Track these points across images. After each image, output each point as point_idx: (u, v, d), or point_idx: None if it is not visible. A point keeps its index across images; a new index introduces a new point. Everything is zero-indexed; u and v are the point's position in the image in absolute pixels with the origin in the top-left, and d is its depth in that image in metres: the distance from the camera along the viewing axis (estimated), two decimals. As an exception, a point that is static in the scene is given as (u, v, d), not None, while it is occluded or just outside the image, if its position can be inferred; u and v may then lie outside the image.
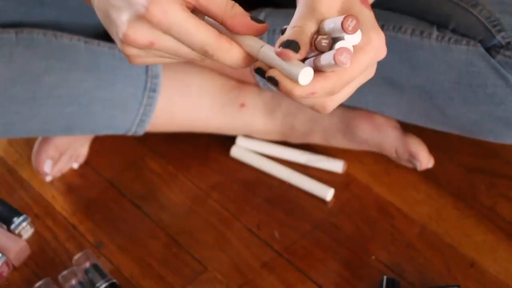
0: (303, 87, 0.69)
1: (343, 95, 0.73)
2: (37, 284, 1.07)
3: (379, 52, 0.72)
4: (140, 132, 1.16)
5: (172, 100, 1.15)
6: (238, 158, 1.22)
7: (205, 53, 0.70)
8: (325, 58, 0.69)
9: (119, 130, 1.14)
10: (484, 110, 1.00)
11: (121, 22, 0.70)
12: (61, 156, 1.20)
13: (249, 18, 0.71)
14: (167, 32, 0.69)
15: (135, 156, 1.24)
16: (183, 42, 0.70)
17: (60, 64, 1.06)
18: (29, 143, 1.25)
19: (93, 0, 0.74)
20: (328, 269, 1.08)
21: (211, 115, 1.17)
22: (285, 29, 0.73)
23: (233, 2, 0.71)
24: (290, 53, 0.68)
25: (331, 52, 0.69)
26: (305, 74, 0.69)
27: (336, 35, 0.70)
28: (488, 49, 0.96)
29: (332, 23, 0.70)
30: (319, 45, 0.70)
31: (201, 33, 0.69)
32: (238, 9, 0.71)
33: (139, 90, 1.11)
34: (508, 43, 0.95)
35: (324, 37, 0.70)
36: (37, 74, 1.04)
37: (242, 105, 1.17)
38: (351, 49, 0.70)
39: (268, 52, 0.71)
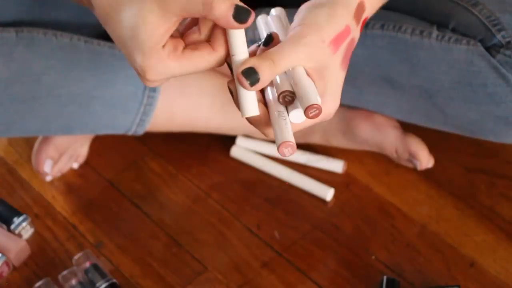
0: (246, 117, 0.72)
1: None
2: (37, 284, 1.07)
3: (325, 119, 0.74)
4: (140, 132, 1.15)
5: (172, 100, 1.15)
6: (238, 158, 1.22)
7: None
8: (277, 125, 0.71)
9: (119, 130, 1.14)
10: (484, 109, 1.00)
11: (135, 70, 0.73)
12: (61, 156, 1.20)
13: (231, 19, 0.68)
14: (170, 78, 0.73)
15: (135, 156, 1.24)
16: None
17: (60, 63, 1.06)
18: (29, 143, 1.25)
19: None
20: (328, 269, 1.08)
21: (211, 115, 1.17)
22: (271, 35, 0.73)
23: (210, 5, 0.69)
24: (246, 84, 0.69)
25: (282, 128, 0.70)
26: (251, 114, 0.71)
27: (298, 96, 0.71)
28: (488, 49, 0.96)
29: (302, 90, 0.71)
30: (282, 99, 0.72)
31: (200, 66, 0.72)
32: (218, 9, 0.68)
33: (139, 89, 1.11)
34: (508, 42, 0.95)
35: (290, 96, 0.71)
36: (37, 73, 1.04)
37: (242, 105, 1.17)
38: (304, 117, 0.71)
39: (236, 63, 0.71)
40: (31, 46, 1.04)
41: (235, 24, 0.69)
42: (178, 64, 0.71)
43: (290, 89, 0.72)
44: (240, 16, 0.69)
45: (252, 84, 0.69)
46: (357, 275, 1.07)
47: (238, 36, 0.71)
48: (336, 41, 0.73)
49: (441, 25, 1.00)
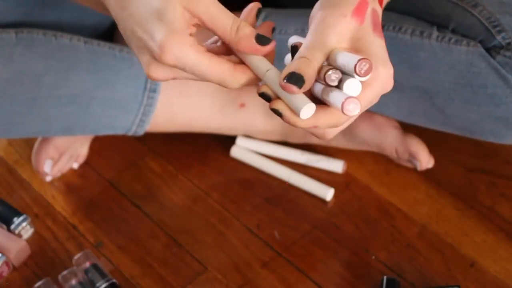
0: (306, 121, 0.70)
1: (344, 126, 0.75)
2: (37, 284, 1.07)
3: (385, 87, 0.73)
4: (140, 132, 1.16)
5: (172, 100, 1.15)
6: (238, 158, 1.22)
7: (222, 85, 0.72)
8: (333, 98, 0.70)
9: (119, 130, 1.14)
10: (484, 110, 1.00)
11: (143, 62, 0.73)
12: (61, 156, 1.20)
13: (254, 41, 0.71)
14: (181, 69, 0.72)
15: (135, 156, 1.24)
16: (199, 78, 0.73)
17: (60, 64, 1.05)
18: (29, 143, 1.25)
19: (119, 27, 0.75)
20: (328, 269, 1.08)
21: (211, 115, 1.17)
22: (295, 46, 0.72)
23: (238, 22, 0.71)
24: (293, 88, 0.69)
25: (340, 96, 0.69)
26: (307, 109, 0.70)
27: (347, 71, 0.70)
28: (488, 50, 0.96)
29: (345, 61, 0.70)
30: (328, 79, 0.70)
31: (215, 72, 0.71)
32: (244, 31, 0.71)
33: (139, 90, 1.11)
34: (508, 43, 0.95)
35: (334, 71, 0.70)
36: (36, 74, 1.04)
37: (242, 105, 1.17)
38: (360, 85, 0.70)
39: (273, 77, 0.71)
40: (30, 47, 1.04)
41: (256, 46, 0.70)
42: (196, 56, 0.70)
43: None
44: (263, 38, 0.71)
45: (300, 86, 0.69)
46: (357, 275, 1.07)
47: (260, 58, 0.72)
48: (358, 12, 0.72)
49: (441, 26, 0.99)
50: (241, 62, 0.73)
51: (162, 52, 0.70)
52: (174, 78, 0.74)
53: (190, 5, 0.70)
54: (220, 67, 0.71)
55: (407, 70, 1.02)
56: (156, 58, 0.71)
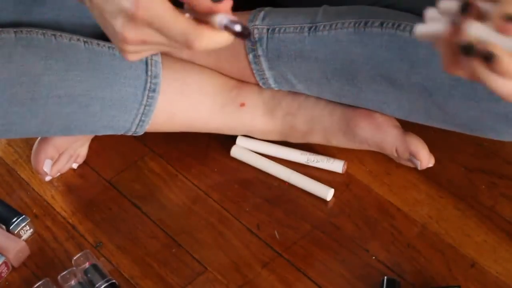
0: None
1: None
2: (37, 285, 1.07)
3: None
4: (140, 132, 1.15)
5: (172, 100, 1.14)
6: (238, 158, 1.22)
7: (187, 43, 0.74)
8: None
9: (118, 130, 1.14)
10: (484, 107, 1.00)
11: (117, 26, 0.76)
12: (61, 156, 1.20)
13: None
14: (151, 26, 0.74)
15: (135, 156, 1.24)
16: (165, 35, 0.74)
17: (59, 64, 1.05)
18: (28, 143, 1.25)
19: (86, 1, 0.77)
20: (328, 269, 1.08)
21: (211, 115, 1.17)
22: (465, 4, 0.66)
23: None
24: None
25: None
26: None
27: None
28: (487, 47, 0.96)
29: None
30: None
31: (179, 24, 0.73)
32: None
33: (139, 90, 1.11)
34: (508, 40, 0.95)
35: None
36: (36, 74, 1.04)
37: (242, 105, 1.17)
38: None
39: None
40: (30, 46, 1.04)
41: (212, 4, 0.73)
42: (162, 7, 0.73)
43: None
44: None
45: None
46: (357, 275, 1.07)
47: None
48: None
49: (441, 23, 0.99)
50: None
51: (136, 7, 0.73)
52: (143, 42, 0.75)
53: None
54: (184, 20, 0.73)
55: (406, 67, 1.02)
56: (130, 17, 0.74)
